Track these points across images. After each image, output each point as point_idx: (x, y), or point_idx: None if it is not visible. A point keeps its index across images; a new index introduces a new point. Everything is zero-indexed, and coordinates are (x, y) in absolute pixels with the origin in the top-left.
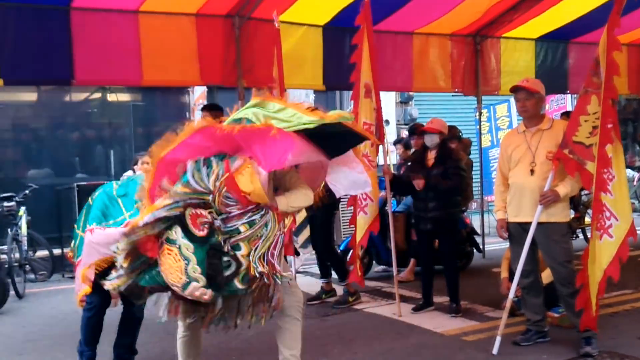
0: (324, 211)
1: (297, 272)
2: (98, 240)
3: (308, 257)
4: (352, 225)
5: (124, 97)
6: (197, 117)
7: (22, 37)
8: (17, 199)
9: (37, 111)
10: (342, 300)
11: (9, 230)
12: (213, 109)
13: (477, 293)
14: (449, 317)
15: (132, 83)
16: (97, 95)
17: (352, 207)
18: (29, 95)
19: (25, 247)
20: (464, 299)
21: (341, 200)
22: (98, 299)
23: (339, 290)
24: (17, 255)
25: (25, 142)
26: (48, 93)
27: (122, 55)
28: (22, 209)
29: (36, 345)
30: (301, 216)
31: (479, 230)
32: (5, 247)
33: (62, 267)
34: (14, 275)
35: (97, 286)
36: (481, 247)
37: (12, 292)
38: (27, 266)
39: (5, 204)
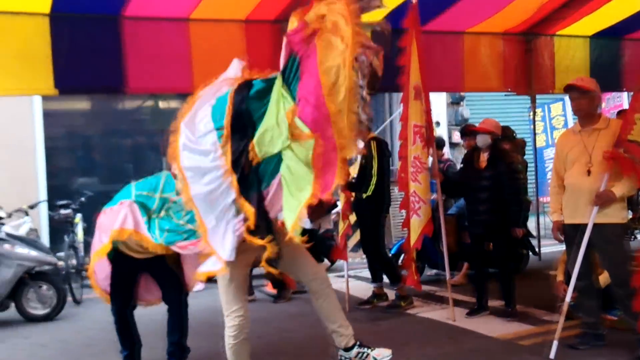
0: (373, 215)
1: (349, 276)
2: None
3: (359, 261)
4: (405, 229)
5: (175, 104)
6: None
7: (75, 47)
8: (73, 206)
9: (91, 119)
10: (394, 305)
11: (65, 237)
12: None
13: (532, 296)
14: (504, 321)
15: (183, 90)
16: (149, 102)
17: (404, 210)
18: (83, 104)
19: (82, 254)
20: (519, 303)
21: (391, 203)
22: (117, 303)
23: (391, 294)
24: (74, 261)
25: (79, 150)
26: (101, 101)
27: (173, 63)
28: (78, 216)
29: (93, 350)
30: (351, 220)
31: (534, 233)
32: (62, 253)
33: None
34: (71, 282)
35: (113, 291)
36: (537, 249)
37: (69, 298)
38: (84, 272)
39: (62, 211)
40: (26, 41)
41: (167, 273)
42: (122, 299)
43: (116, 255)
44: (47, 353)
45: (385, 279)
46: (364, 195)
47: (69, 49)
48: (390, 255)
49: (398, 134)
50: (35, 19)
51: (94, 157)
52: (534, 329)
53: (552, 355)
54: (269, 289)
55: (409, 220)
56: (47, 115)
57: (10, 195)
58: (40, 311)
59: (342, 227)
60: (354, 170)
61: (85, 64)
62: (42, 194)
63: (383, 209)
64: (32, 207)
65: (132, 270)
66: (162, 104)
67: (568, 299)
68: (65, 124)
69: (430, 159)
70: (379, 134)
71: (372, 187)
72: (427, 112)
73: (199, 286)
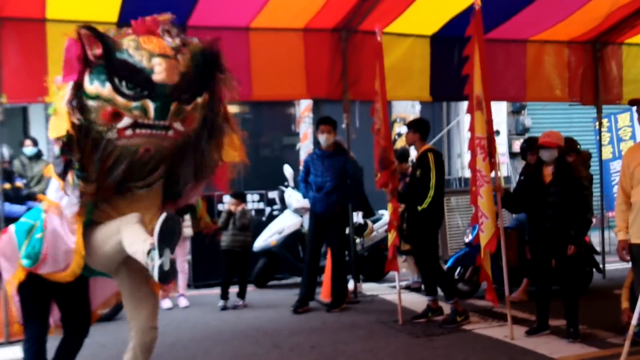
0: (429, 229)
1: (402, 288)
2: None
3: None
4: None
5: (233, 109)
6: (303, 129)
7: None
8: None
9: None
10: (449, 320)
11: None
12: (328, 123)
13: (596, 317)
14: (567, 343)
15: (243, 98)
16: None
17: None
18: None
19: None
20: (582, 323)
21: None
22: (31, 330)
23: (447, 308)
24: None
25: None
26: None
27: (233, 71)
28: None
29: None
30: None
31: (598, 248)
32: None
33: None
34: None
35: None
36: (601, 266)
37: None
38: None
39: None
40: None
41: (76, 298)
42: (39, 326)
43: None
44: (107, 353)
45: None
46: (419, 208)
47: None
48: (446, 267)
49: (455, 146)
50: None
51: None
52: (597, 352)
53: None
54: (323, 297)
55: (478, 236)
56: None
57: None
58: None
59: (391, 237)
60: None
61: None
62: None
63: (438, 222)
64: None
65: (45, 291)
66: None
67: (635, 322)
68: None
69: (493, 172)
70: (434, 144)
71: (429, 200)
72: (489, 122)
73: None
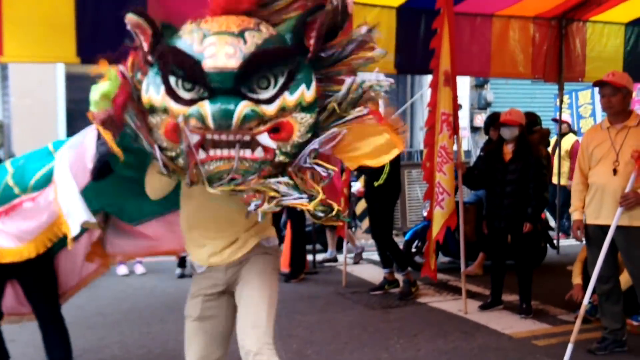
0: (384, 200)
1: (362, 259)
2: None
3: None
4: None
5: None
6: None
7: (100, 18)
8: None
9: None
10: (405, 292)
11: None
12: None
13: (549, 293)
14: (519, 318)
15: None
16: None
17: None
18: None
19: None
20: (535, 299)
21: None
22: None
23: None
24: None
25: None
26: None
27: None
28: None
29: (105, 320)
30: (362, 205)
31: (553, 224)
32: None
33: None
34: None
35: None
36: (555, 242)
37: None
38: None
39: None
40: (52, 8)
41: (35, 280)
42: None
43: None
44: None
45: None
46: (375, 184)
47: (93, 19)
48: (404, 240)
49: (418, 118)
50: None
51: None
52: (549, 328)
53: (566, 358)
54: (282, 268)
55: (432, 211)
56: (70, 79)
57: None
58: None
59: (343, 205)
60: None
61: (109, 34)
62: None
63: (394, 197)
64: None
65: None
66: None
67: (586, 301)
68: (87, 88)
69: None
70: (399, 116)
71: (384, 176)
72: (455, 99)
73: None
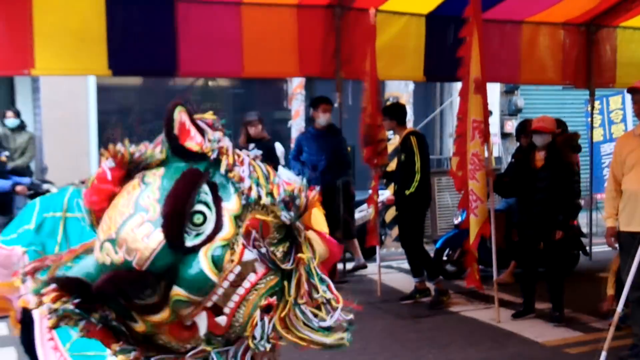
0: (415, 209)
1: (391, 267)
2: None
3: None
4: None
5: (224, 83)
6: (295, 106)
7: (129, 29)
8: None
9: (143, 96)
10: (436, 301)
11: None
12: (329, 102)
13: (581, 301)
14: (551, 326)
15: (233, 75)
16: (199, 82)
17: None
18: (135, 80)
19: None
20: (567, 307)
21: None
22: None
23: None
24: None
25: (130, 127)
26: (153, 79)
27: (224, 47)
28: None
29: None
30: (392, 213)
31: (586, 230)
32: None
33: None
34: None
35: None
36: (588, 249)
37: None
38: None
39: None
40: (82, 21)
41: None
42: None
43: None
44: None
45: None
46: (407, 193)
47: (123, 31)
48: (435, 248)
49: (447, 126)
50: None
51: (144, 134)
52: (582, 336)
53: None
54: None
55: (468, 220)
56: (101, 91)
57: (63, 169)
58: None
59: (371, 212)
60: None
61: (139, 46)
62: (94, 169)
63: (425, 205)
64: (83, 182)
65: None
66: (211, 84)
67: (619, 308)
68: (118, 99)
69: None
70: (427, 124)
71: (415, 184)
72: (485, 106)
73: None
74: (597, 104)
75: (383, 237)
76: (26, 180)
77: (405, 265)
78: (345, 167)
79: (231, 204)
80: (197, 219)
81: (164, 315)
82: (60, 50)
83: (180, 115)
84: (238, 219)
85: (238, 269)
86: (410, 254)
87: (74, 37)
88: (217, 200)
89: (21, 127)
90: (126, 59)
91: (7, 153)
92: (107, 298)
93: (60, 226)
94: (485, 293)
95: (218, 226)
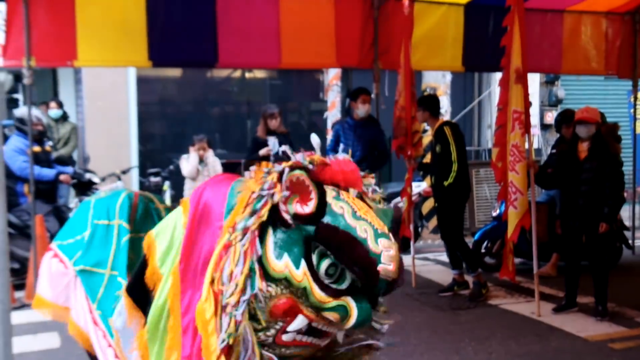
0: (454, 200)
1: (428, 260)
2: None
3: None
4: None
5: (261, 75)
6: (331, 97)
7: (169, 21)
8: (163, 174)
9: (182, 87)
10: (475, 293)
11: None
12: (369, 93)
13: (626, 295)
14: (594, 321)
15: (271, 66)
16: (237, 73)
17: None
18: (175, 72)
19: None
20: (611, 301)
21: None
22: None
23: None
24: None
25: (170, 117)
26: (192, 70)
27: (262, 38)
28: (167, 183)
29: None
30: (429, 205)
31: (628, 223)
32: None
33: None
34: None
35: None
36: (631, 242)
37: None
38: None
39: (152, 178)
40: (124, 13)
41: None
42: None
43: None
44: None
45: None
46: (446, 184)
47: (163, 22)
48: (474, 241)
49: (486, 116)
50: None
51: (183, 125)
52: (626, 331)
53: None
54: None
55: (507, 212)
56: (141, 82)
57: (105, 159)
58: None
59: (405, 204)
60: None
61: (178, 38)
62: (134, 159)
63: (465, 196)
64: (124, 172)
65: None
66: (248, 75)
67: None
68: (157, 91)
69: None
70: (466, 114)
71: (453, 174)
72: (526, 96)
73: None
74: None
75: (420, 229)
76: (69, 169)
77: (442, 257)
78: (384, 158)
79: None
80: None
81: None
82: (101, 42)
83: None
84: None
85: None
86: (450, 245)
87: (115, 29)
88: None
89: (64, 117)
90: (166, 51)
91: (51, 143)
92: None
93: (113, 235)
94: (525, 286)
95: None
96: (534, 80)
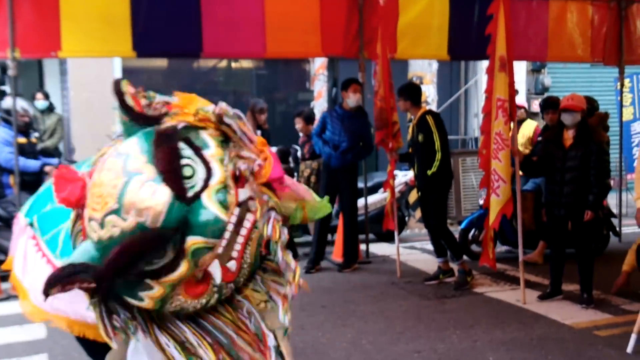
0: (437, 189)
1: (415, 248)
2: None
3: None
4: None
5: (248, 65)
6: (318, 87)
7: (153, 11)
8: None
9: (168, 78)
10: (460, 282)
11: None
12: (359, 83)
13: (611, 282)
14: (579, 308)
15: (256, 55)
16: (223, 64)
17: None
18: (160, 62)
19: None
20: (596, 288)
21: (457, 177)
22: None
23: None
24: None
25: None
26: (178, 60)
27: (247, 27)
28: None
29: None
30: (415, 194)
31: (616, 211)
32: None
33: None
34: None
35: None
36: (618, 229)
37: None
38: None
39: None
40: (107, 4)
41: None
42: None
43: None
44: None
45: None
46: (429, 173)
47: (147, 13)
48: (460, 229)
49: (472, 105)
50: None
51: None
52: (611, 318)
53: (629, 349)
54: (335, 257)
55: (489, 199)
56: (127, 73)
57: (90, 150)
58: None
59: (387, 196)
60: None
61: (163, 28)
62: None
63: (447, 185)
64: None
65: None
66: (234, 65)
67: None
68: (143, 81)
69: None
70: (452, 103)
71: (437, 163)
72: (511, 84)
73: None
74: (627, 81)
75: (407, 218)
76: (55, 160)
77: (429, 246)
78: (369, 149)
79: (211, 150)
80: (187, 171)
81: (183, 269)
82: (85, 33)
83: (128, 87)
84: (222, 161)
85: (237, 210)
86: (434, 234)
87: (99, 19)
88: (197, 150)
89: (50, 109)
90: (150, 41)
91: (36, 134)
92: (120, 273)
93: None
94: (511, 274)
95: (209, 172)
96: (521, 68)
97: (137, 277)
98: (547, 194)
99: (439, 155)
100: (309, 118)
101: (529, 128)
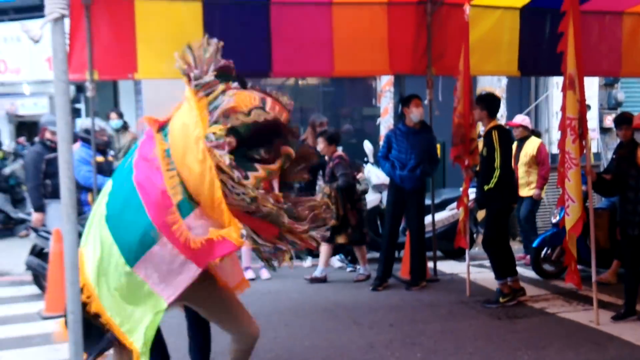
0: (492, 205)
1: (483, 266)
2: None
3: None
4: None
5: (314, 81)
6: (384, 104)
7: (225, 33)
8: None
9: None
10: (492, 300)
11: None
12: (420, 98)
13: None
14: None
15: (324, 74)
16: (290, 81)
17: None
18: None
19: None
20: None
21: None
22: None
23: (531, 290)
24: None
25: None
26: (247, 78)
27: (315, 47)
28: None
29: None
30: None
31: None
32: None
33: None
34: None
35: None
36: None
37: None
38: None
39: None
40: (181, 26)
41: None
42: None
43: None
44: None
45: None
46: (486, 188)
47: (219, 34)
48: (533, 247)
49: (543, 121)
50: (189, 5)
51: None
52: None
53: None
54: (403, 275)
55: (564, 219)
56: None
57: None
58: None
59: (460, 214)
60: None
61: (234, 48)
62: None
63: (508, 201)
64: None
65: None
66: (301, 82)
67: None
68: None
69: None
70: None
71: (494, 179)
72: (582, 102)
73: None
74: None
75: (475, 235)
76: None
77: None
78: (435, 164)
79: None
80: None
81: (276, 165)
82: (160, 55)
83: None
84: None
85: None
86: (489, 252)
87: (174, 41)
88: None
89: (124, 127)
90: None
91: (113, 153)
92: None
93: None
94: (583, 294)
95: None
96: (593, 83)
97: (250, 161)
98: (621, 213)
99: (497, 172)
100: (331, 138)
101: (532, 146)
